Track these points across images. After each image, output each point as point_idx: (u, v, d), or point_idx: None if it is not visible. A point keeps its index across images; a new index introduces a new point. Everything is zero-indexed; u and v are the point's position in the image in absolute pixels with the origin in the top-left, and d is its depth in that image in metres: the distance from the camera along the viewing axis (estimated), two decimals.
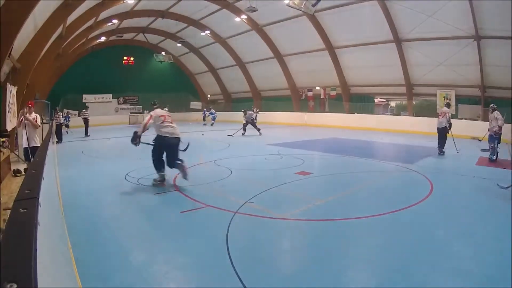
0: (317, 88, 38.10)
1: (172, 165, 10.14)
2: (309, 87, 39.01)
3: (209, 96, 53.62)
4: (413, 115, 30.47)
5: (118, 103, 46.11)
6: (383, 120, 31.76)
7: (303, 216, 7.48)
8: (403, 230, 6.63)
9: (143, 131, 10.25)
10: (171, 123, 10.25)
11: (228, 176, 11.65)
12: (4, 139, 8.08)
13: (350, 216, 7.46)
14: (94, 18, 28.37)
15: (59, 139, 22.02)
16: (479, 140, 17.91)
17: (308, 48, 35.01)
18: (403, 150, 18.92)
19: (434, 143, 16.63)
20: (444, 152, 16.06)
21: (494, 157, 14.21)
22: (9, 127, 13.50)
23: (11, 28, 11.79)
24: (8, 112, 13.93)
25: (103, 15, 29.89)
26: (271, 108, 40.73)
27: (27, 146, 10.56)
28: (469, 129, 22.39)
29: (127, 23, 38.50)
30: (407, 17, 25.75)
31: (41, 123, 11.44)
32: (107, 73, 43.98)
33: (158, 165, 10.30)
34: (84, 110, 28.13)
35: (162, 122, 10.05)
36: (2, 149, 7.29)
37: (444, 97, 27.38)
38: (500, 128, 14.36)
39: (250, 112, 26.37)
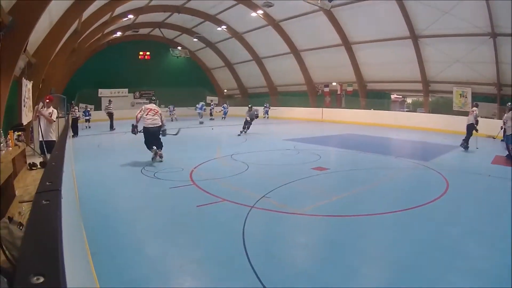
0: (334, 83, 37.88)
1: (158, 146, 13.02)
2: (326, 83, 38.77)
3: (225, 91, 53.65)
4: (429, 112, 30.13)
5: (134, 98, 46.15)
6: (399, 117, 31.47)
7: (319, 212, 7.45)
8: (417, 228, 6.56)
9: (137, 122, 13.17)
10: (154, 115, 12.85)
11: (244, 170, 11.65)
12: (20, 133, 8.11)
13: (366, 212, 7.39)
14: (109, 13, 28.44)
15: (75, 133, 22.14)
16: (493, 138, 17.78)
17: (324, 44, 34.78)
18: (419, 147, 18.70)
19: (450, 141, 16.53)
20: (468, 147, 16.24)
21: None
22: (24, 121, 13.59)
23: (26, 24, 11.84)
24: (24, 106, 14.05)
25: (119, 10, 29.97)
26: (287, 104, 40.67)
27: (43, 139, 10.61)
28: (485, 127, 22.16)
29: (142, 18, 38.59)
30: (423, 13, 25.47)
31: (57, 117, 11.44)
32: (123, 67, 44.15)
33: (148, 146, 13.04)
34: (108, 104, 28.21)
35: (147, 114, 12.79)
36: (17, 143, 7.30)
37: (460, 95, 27.14)
38: None
39: (255, 108, 24.83)
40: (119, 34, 40.14)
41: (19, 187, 5.65)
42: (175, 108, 39.03)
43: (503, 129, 14.83)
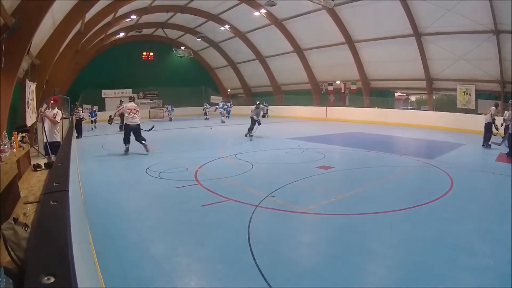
0: (338, 82, 37.78)
1: (138, 140, 15.20)
2: (329, 81, 38.66)
3: (229, 90, 53.65)
4: (433, 110, 30.08)
5: (138, 98, 45.84)
6: (403, 115, 31.50)
7: (324, 211, 7.45)
8: (422, 226, 6.53)
9: (114, 115, 16.81)
10: (135, 114, 15.04)
11: (249, 170, 11.67)
12: (24, 134, 8.12)
13: (371, 211, 7.40)
14: (112, 14, 28.51)
15: (79, 134, 22.20)
16: (494, 135, 17.83)
17: (328, 42, 34.71)
18: (424, 145, 18.65)
19: (455, 138, 16.51)
20: (490, 145, 16.37)
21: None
22: (28, 122, 13.66)
23: (29, 25, 11.86)
24: (28, 107, 14.08)
25: (122, 11, 30.02)
26: (291, 102, 40.69)
27: (47, 141, 10.63)
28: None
29: (145, 18, 38.67)
30: (426, 11, 25.36)
31: (61, 119, 11.47)
32: (127, 68, 44.22)
33: (125, 141, 15.34)
34: (119, 105, 28.20)
35: (129, 114, 14.99)
36: (22, 144, 7.31)
37: (464, 92, 27.07)
38: None
39: (263, 106, 23.79)
40: (122, 34, 40.17)
41: (23, 188, 5.64)
42: (173, 108, 39.46)
43: (503, 126, 14.97)
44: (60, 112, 11.27)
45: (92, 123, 29.40)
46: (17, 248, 2.67)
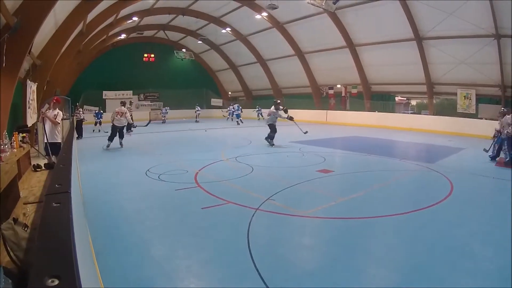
0: (338, 85, 37.86)
1: (120, 137, 17.96)
2: (330, 85, 38.75)
3: (230, 93, 53.70)
4: (434, 114, 30.05)
5: (139, 100, 46.15)
6: (404, 119, 31.44)
7: (324, 214, 7.44)
8: (422, 230, 6.55)
9: (113, 121, 17.92)
10: (121, 117, 17.52)
11: (249, 173, 11.65)
12: (24, 134, 8.11)
13: (371, 214, 7.40)
14: (114, 15, 28.48)
15: (80, 135, 22.19)
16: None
17: (329, 46, 34.71)
18: (424, 149, 18.64)
19: (455, 143, 16.46)
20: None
21: (507, 159, 14.03)
22: (29, 122, 13.64)
23: (31, 25, 11.85)
24: (29, 108, 14.07)
25: (124, 12, 30.02)
26: (292, 106, 40.71)
27: (47, 141, 10.63)
28: (490, 129, 22.04)
29: (147, 20, 38.64)
30: (427, 15, 25.39)
31: (62, 119, 11.47)
32: (128, 69, 44.23)
33: (110, 139, 17.55)
34: (129, 106, 28.19)
35: (117, 116, 17.54)
36: (22, 144, 7.30)
37: (464, 96, 27.06)
38: None
39: (273, 110, 19.42)
40: (123, 36, 40.24)
41: (23, 188, 5.64)
42: (167, 110, 39.40)
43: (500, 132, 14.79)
44: (60, 113, 11.27)
45: (96, 124, 28.93)
46: (16, 248, 2.67)
